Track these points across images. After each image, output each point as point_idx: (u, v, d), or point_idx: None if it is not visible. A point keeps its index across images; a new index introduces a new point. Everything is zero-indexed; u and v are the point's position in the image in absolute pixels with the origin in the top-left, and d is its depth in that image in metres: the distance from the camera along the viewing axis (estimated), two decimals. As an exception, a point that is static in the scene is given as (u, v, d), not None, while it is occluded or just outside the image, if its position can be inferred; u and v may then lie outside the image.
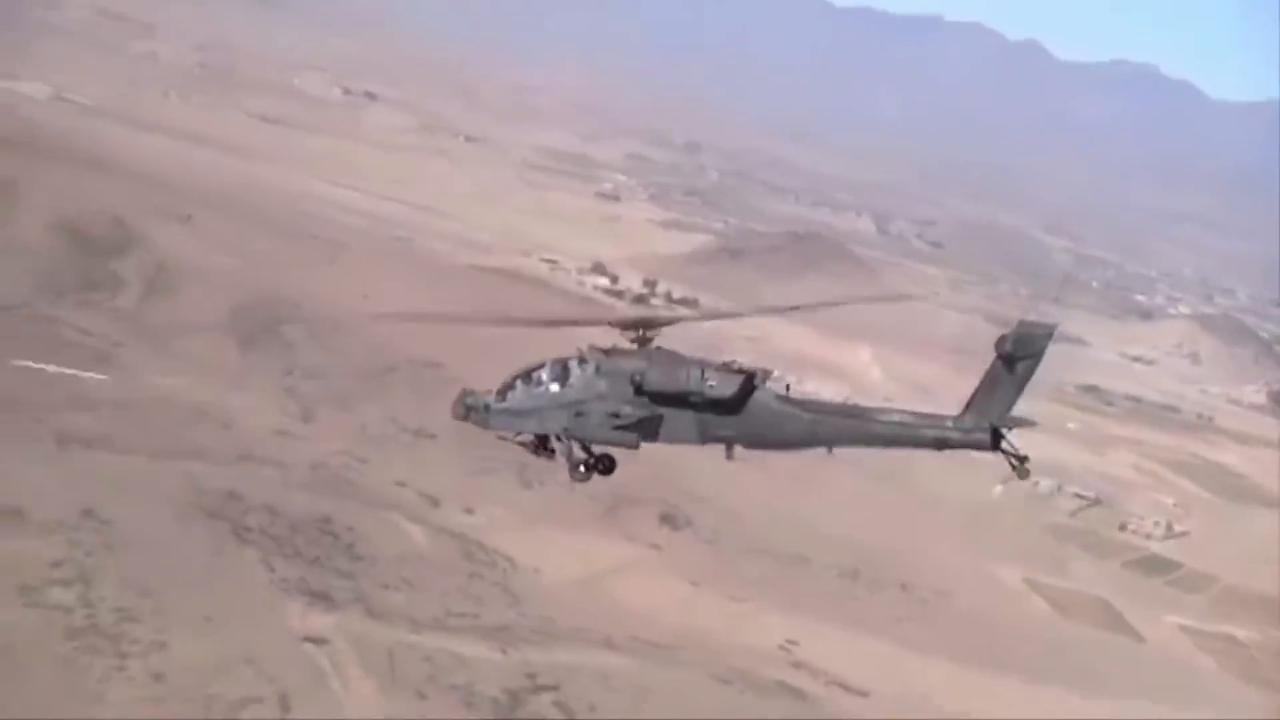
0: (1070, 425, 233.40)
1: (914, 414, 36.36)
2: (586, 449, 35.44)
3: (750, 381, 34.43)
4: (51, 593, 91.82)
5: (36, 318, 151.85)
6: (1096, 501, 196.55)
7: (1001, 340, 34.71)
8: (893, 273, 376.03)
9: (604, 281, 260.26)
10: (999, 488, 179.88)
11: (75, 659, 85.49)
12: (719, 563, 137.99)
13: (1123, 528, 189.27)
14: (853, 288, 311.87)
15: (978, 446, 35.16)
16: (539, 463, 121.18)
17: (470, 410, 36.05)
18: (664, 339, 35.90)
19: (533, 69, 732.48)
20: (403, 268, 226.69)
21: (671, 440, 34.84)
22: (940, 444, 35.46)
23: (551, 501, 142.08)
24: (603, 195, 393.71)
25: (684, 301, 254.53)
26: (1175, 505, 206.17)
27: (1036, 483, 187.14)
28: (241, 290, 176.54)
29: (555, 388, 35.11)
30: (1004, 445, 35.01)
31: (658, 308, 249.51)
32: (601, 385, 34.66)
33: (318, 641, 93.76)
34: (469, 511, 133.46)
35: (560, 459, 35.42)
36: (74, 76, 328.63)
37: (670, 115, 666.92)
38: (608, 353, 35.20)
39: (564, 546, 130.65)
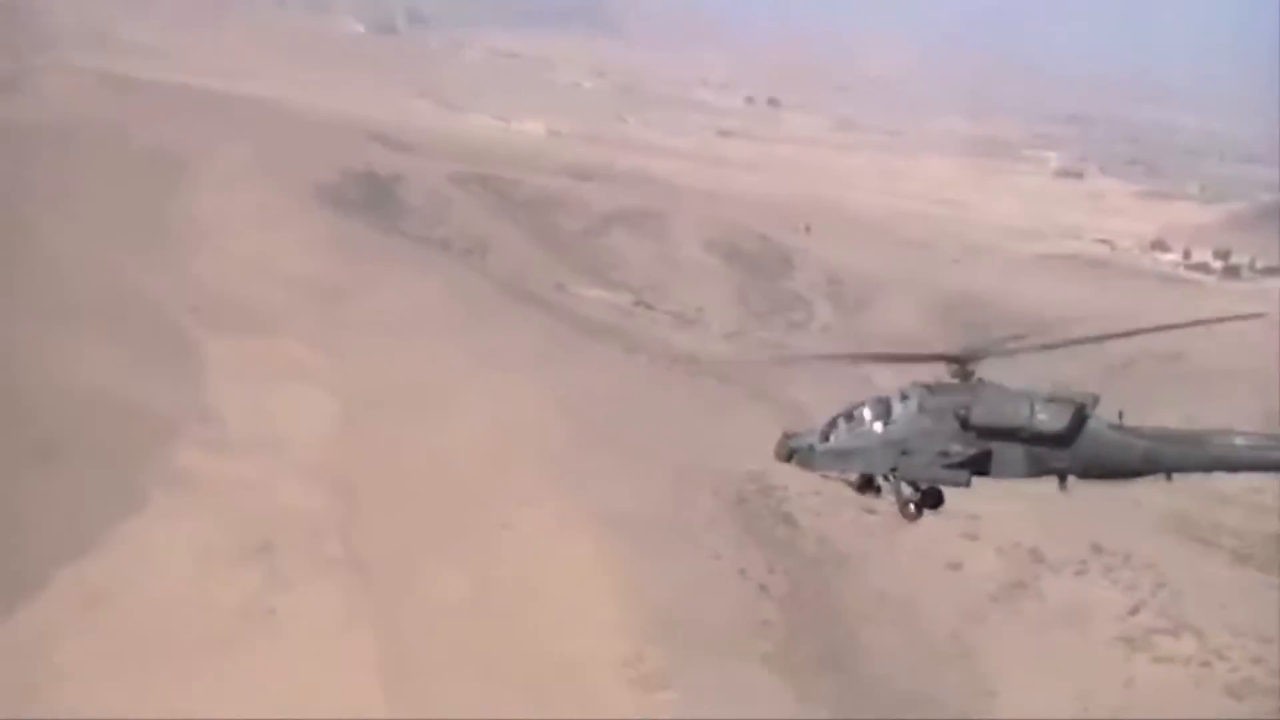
0: None
1: (1259, 435, 33.14)
2: (915, 486, 32.70)
3: (1081, 412, 31.71)
4: (1156, 641, 79.79)
5: (772, 344, 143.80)
6: None
7: None
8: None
9: (1172, 258, 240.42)
10: None
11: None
12: None
13: None
14: None
15: None
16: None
17: (794, 452, 33.41)
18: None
19: (874, 56, 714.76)
20: (986, 265, 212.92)
21: (1002, 475, 32.33)
22: None
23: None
24: (1064, 173, 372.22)
25: (1269, 270, 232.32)
26: None
27: None
28: (917, 297, 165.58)
29: (878, 426, 32.39)
30: None
31: (1255, 278, 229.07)
32: (926, 422, 32.04)
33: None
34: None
35: (888, 498, 32.83)
36: (535, 111, 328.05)
37: (1034, 88, 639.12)
38: (930, 388, 32.31)
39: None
